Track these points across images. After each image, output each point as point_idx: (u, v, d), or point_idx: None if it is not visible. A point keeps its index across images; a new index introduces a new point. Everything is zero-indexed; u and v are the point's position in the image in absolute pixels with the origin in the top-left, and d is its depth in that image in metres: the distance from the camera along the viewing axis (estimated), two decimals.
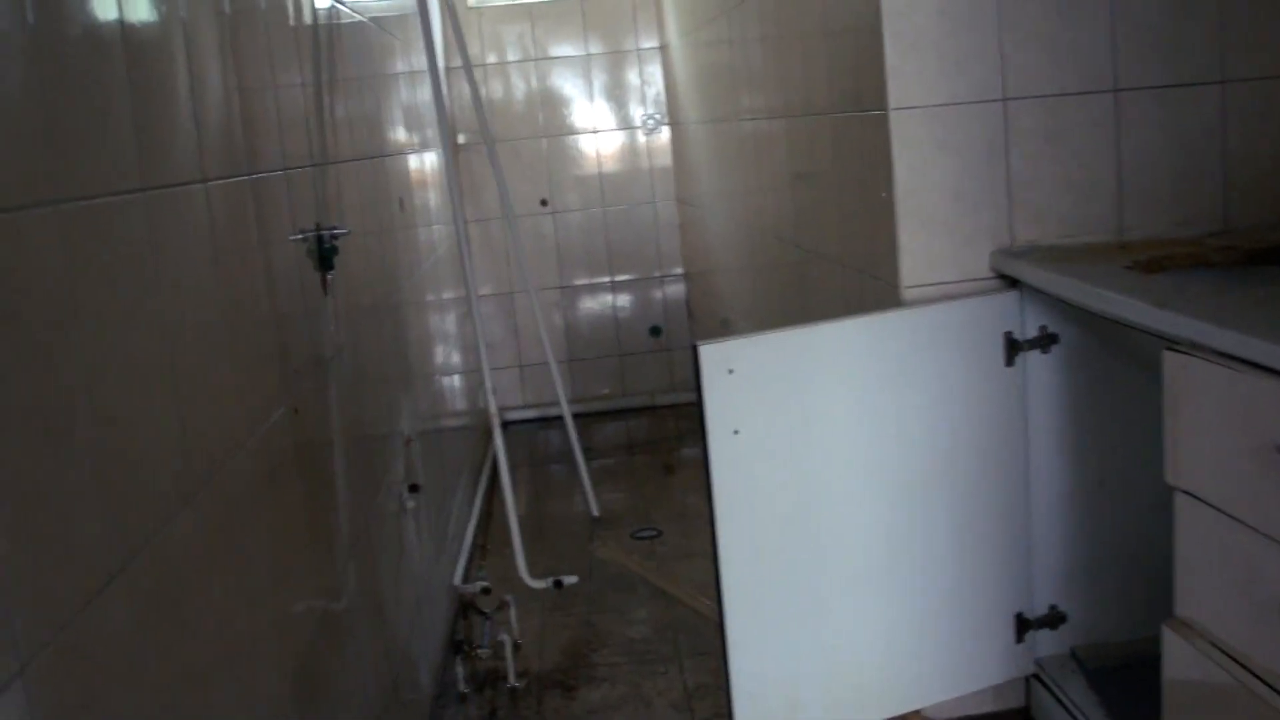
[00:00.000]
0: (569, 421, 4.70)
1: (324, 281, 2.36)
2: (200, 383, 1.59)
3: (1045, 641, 2.77)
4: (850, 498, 2.51)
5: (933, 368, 2.51)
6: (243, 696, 1.64)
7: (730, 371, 2.32)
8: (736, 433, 2.35)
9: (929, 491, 2.57)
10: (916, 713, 2.81)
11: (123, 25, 1.45)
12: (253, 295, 1.90)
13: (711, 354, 2.32)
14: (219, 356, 1.69)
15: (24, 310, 1.12)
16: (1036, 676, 2.78)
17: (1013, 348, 2.56)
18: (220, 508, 1.61)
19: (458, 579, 3.75)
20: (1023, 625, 2.73)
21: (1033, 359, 2.60)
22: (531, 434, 5.98)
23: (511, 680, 3.28)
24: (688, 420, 5.67)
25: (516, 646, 3.44)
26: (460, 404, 4.75)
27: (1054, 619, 2.75)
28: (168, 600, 1.40)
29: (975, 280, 2.62)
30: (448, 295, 4.68)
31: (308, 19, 2.55)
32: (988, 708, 2.83)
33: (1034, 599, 2.73)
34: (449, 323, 4.65)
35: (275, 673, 1.83)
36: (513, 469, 5.38)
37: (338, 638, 2.25)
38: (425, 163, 4.31)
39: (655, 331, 6.19)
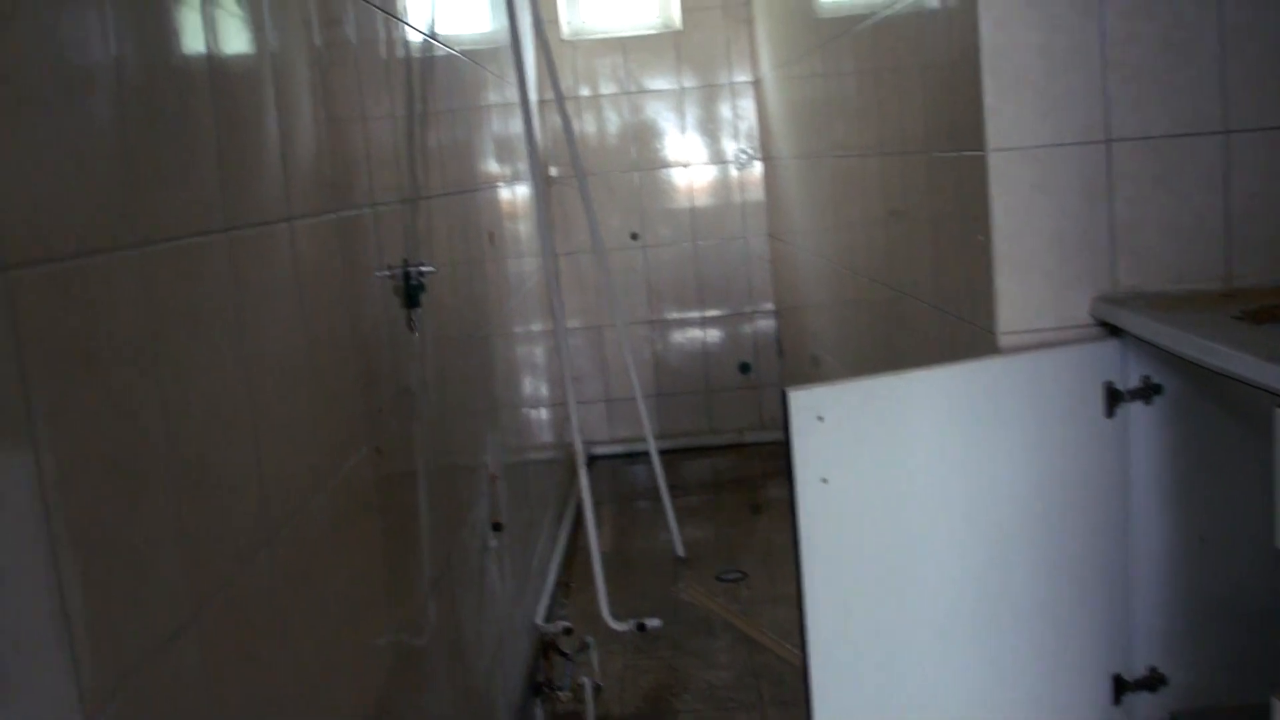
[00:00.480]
0: (655, 458, 4.66)
1: (410, 319, 2.35)
2: (281, 425, 1.58)
3: (1144, 705, 2.66)
4: (941, 549, 2.44)
5: (1029, 417, 2.43)
6: None
7: (820, 419, 2.27)
8: (825, 481, 2.30)
9: (1023, 544, 2.48)
10: None
11: (209, 59, 1.44)
12: (337, 334, 1.89)
13: (801, 400, 2.26)
14: (301, 397, 1.68)
15: (103, 354, 1.11)
16: None
17: (1113, 398, 2.47)
18: (298, 549, 1.60)
19: (540, 618, 3.72)
20: (1120, 687, 2.63)
21: (1134, 410, 2.51)
22: (618, 469, 5.95)
23: None
24: (776, 459, 5.61)
25: (597, 689, 3.40)
26: (547, 437, 4.74)
27: (1153, 681, 2.64)
28: (241, 643, 1.38)
29: (1075, 327, 2.54)
30: (536, 328, 4.68)
31: (400, 53, 2.55)
32: None
33: (1132, 659, 2.63)
34: (537, 355, 4.65)
35: (352, 713, 1.81)
36: (598, 505, 5.36)
37: (416, 677, 2.22)
38: (516, 195, 4.32)
39: (745, 368, 6.14)
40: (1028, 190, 2.52)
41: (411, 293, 2.35)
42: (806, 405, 2.26)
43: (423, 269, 2.38)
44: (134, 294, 1.18)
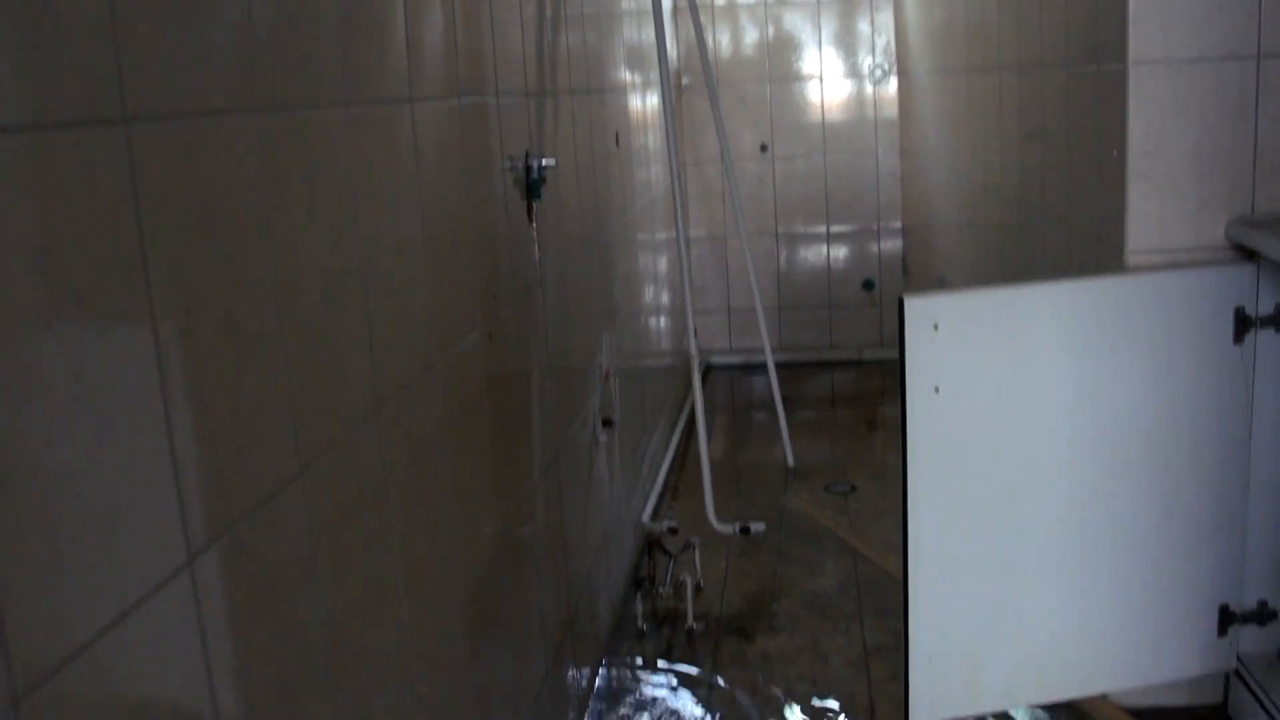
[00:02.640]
0: (771, 369, 4.65)
1: (529, 209, 2.37)
2: (394, 299, 1.61)
3: (1250, 638, 2.61)
4: (1051, 467, 2.41)
5: (1152, 339, 2.38)
6: (418, 613, 1.67)
7: (935, 327, 2.24)
8: (936, 390, 2.28)
9: (1137, 468, 2.44)
10: (1104, 697, 2.70)
11: None
12: (454, 217, 1.92)
13: (917, 308, 2.24)
14: (414, 276, 1.71)
15: (220, 217, 1.14)
16: (1238, 673, 2.63)
17: (1243, 324, 2.40)
18: (405, 424, 1.64)
19: (646, 517, 3.76)
20: (1227, 618, 2.58)
21: (1264, 338, 2.43)
22: (735, 379, 5.95)
23: (690, 621, 3.28)
24: (894, 378, 5.55)
25: (698, 588, 3.44)
26: (665, 345, 4.76)
27: (1263, 615, 2.59)
28: (344, 507, 1.42)
29: (1207, 249, 2.46)
30: (660, 236, 4.68)
31: None
32: (1181, 700, 2.69)
33: (1243, 592, 2.58)
34: (659, 264, 4.65)
35: (452, 592, 1.86)
36: (712, 414, 5.38)
37: (518, 564, 2.28)
38: (645, 103, 4.30)
39: (868, 285, 6.07)
40: (1168, 106, 2.44)
41: (532, 185, 2.37)
42: (923, 313, 2.23)
43: (544, 162, 2.39)
44: (253, 160, 1.21)
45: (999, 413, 2.34)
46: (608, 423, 3.12)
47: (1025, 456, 2.38)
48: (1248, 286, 2.40)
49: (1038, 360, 2.34)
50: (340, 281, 1.43)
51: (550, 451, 2.55)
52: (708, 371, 6.01)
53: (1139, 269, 2.46)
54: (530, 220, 2.38)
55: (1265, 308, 2.40)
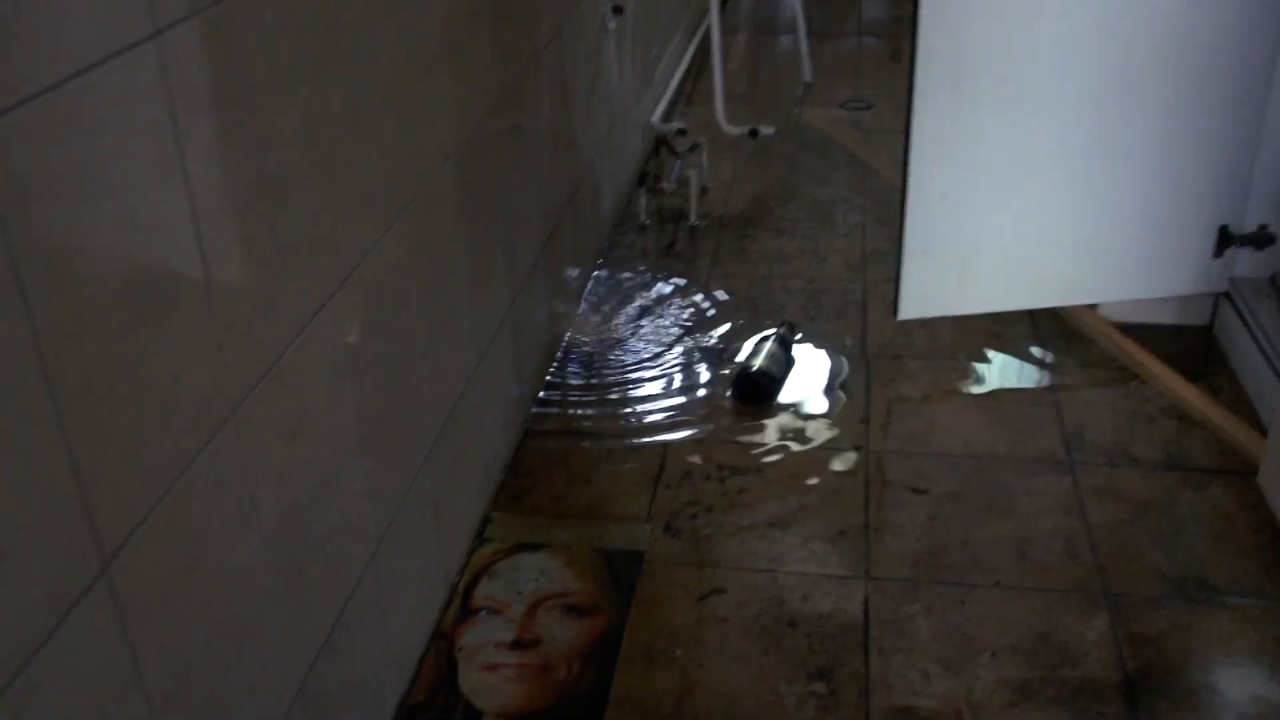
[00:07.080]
0: None
1: None
2: None
3: (1245, 262, 2.62)
4: (1063, 70, 2.34)
5: None
6: (405, 144, 1.66)
7: None
8: None
9: (1152, 75, 2.37)
10: (1092, 309, 2.74)
11: None
12: None
13: None
14: None
15: None
16: (1227, 295, 2.65)
17: None
18: None
19: (656, 118, 3.71)
20: (1225, 240, 2.58)
21: None
22: (759, 1, 5.76)
23: (693, 219, 3.30)
24: None
25: (704, 189, 3.44)
26: None
27: (1261, 239, 2.58)
28: (330, 22, 1.39)
29: None
30: None
31: None
32: (1169, 319, 2.73)
33: (1244, 214, 2.56)
34: None
35: (442, 137, 1.84)
36: (734, 32, 5.24)
37: (517, 132, 2.25)
38: None
39: None
40: None
41: None
42: None
43: None
44: None
45: (1015, 10, 2.26)
46: (618, 10, 3.02)
47: (1038, 52, 2.32)
48: None
49: None
50: None
51: (555, 25, 2.49)
52: None
53: None
54: None
55: None
